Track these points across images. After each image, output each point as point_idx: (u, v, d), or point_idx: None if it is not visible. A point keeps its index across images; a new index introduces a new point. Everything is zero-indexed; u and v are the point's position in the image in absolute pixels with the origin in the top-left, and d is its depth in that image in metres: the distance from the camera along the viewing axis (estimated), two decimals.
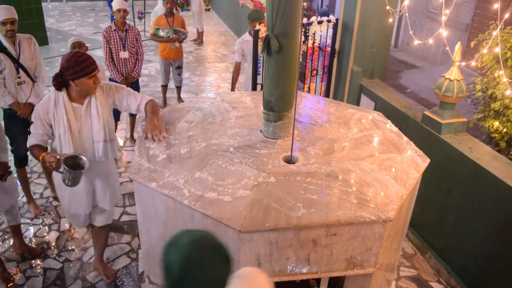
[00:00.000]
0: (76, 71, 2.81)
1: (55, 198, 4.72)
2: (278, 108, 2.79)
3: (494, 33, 3.87)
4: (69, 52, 2.92)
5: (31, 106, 4.24)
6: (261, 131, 2.98)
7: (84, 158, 2.84)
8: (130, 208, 4.72)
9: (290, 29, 2.58)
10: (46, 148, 3.07)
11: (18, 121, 4.28)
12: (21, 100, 4.28)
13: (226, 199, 2.22)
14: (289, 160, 2.68)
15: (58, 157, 2.76)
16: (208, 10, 16.60)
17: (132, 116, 6.13)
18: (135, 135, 6.11)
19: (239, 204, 2.20)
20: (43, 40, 10.86)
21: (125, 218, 4.57)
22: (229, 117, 3.25)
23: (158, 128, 2.90)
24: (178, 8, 11.14)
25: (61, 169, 2.81)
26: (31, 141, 2.99)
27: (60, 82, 2.91)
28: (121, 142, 6.21)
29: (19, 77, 4.22)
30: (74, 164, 2.81)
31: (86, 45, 4.60)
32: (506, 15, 3.61)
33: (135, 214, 4.32)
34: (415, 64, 11.73)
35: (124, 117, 6.71)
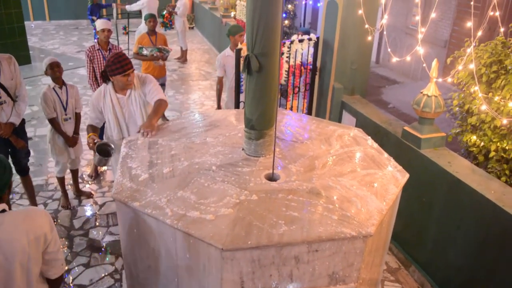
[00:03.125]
0: (113, 69, 3.49)
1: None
2: (259, 126, 2.83)
3: (468, 50, 3.99)
4: (114, 52, 3.66)
5: (12, 126, 4.22)
6: (243, 149, 3.01)
7: (113, 147, 3.48)
8: (113, 228, 4.68)
9: (270, 49, 2.64)
10: (98, 129, 3.78)
11: (0, 141, 4.24)
12: (2, 120, 4.24)
13: (208, 218, 2.24)
14: (271, 178, 2.71)
15: (95, 141, 3.49)
16: (192, 28, 16.73)
17: None
18: None
19: (221, 222, 2.21)
20: (26, 59, 10.80)
21: (108, 238, 4.52)
22: (211, 135, 3.28)
23: (152, 127, 3.28)
24: (162, 27, 11.21)
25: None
26: (88, 121, 3.80)
27: (105, 76, 3.62)
28: None
29: (0, 97, 4.19)
30: (104, 150, 3.46)
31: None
32: (479, 33, 3.74)
33: (118, 234, 4.29)
34: (396, 79, 11.95)
35: None
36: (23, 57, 10.46)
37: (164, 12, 11.75)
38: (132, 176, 2.66)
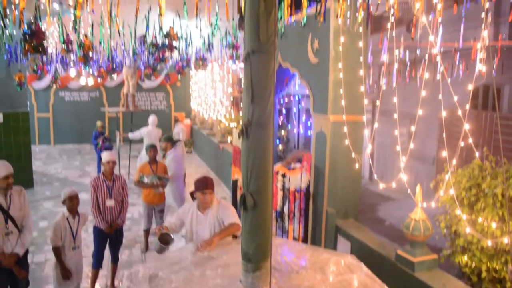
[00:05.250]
0: (196, 186, 4.21)
1: None
2: (255, 259, 2.99)
3: (447, 176, 4.32)
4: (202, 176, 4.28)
5: (16, 256, 4.33)
6: (240, 281, 3.13)
7: (173, 239, 3.98)
8: None
9: (263, 187, 2.92)
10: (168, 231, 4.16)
11: (2, 271, 4.31)
12: (7, 250, 4.37)
13: None
14: None
15: (161, 231, 4.00)
16: (190, 152, 17.44)
17: (114, 264, 6.16)
18: (116, 282, 6.09)
19: None
20: (28, 183, 11.16)
21: None
22: (210, 267, 3.41)
23: (210, 243, 3.76)
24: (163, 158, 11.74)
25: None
26: (168, 219, 4.37)
27: (192, 194, 4.35)
28: None
29: (7, 228, 4.37)
30: (165, 239, 3.94)
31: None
32: (454, 161, 4.10)
33: None
34: (390, 196, 12.24)
35: (106, 264, 6.71)
36: (26, 181, 10.79)
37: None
38: None
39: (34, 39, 4.00)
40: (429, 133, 11.30)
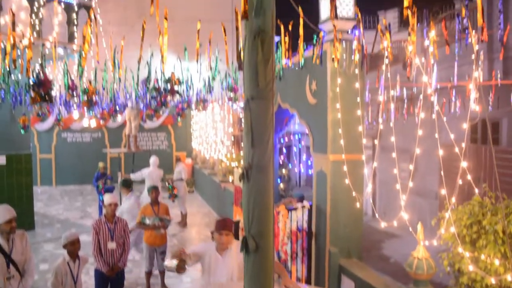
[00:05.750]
0: (215, 226, 4.28)
1: None
2: None
3: (447, 214, 4.34)
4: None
5: None
6: None
7: (186, 270, 4.14)
8: None
9: (265, 230, 2.95)
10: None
11: None
12: None
13: None
14: None
15: (182, 258, 4.14)
16: (192, 192, 17.42)
17: None
18: None
19: None
20: (30, 225, 11.06)
21: None
22: None
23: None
24: (173, 199, 11.71)
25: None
26: (192, 248, 4.54)
27: (212, 234, 4.62)
28: None
29: (9, 272, 4.36)
30: (180, 267, 4.11)
31: (72, 229, 5.02)
32: (453, 200, 4.13)
33: None
34: (394, 233, 12.12)
35: None
36: (27, 223, 10.70)
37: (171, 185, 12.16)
38: None
39: (42, 88, 4.13)
40: (430, 168, 11.33)
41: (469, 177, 4.18)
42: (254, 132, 2.84)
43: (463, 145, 4.14)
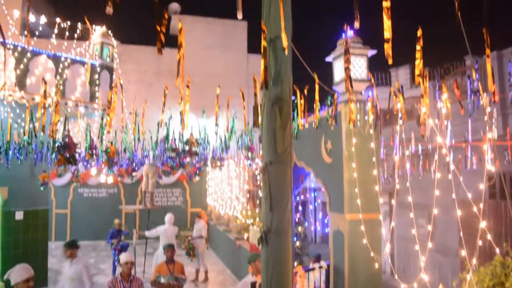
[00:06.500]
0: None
1: None
2: None
3: (468, 276, 4.24)
4: None
5: None
6: None
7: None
8: None
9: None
10: None
11: None
12: None
13: None
14: None
15: None
16: (206, 248, 17.22)
17: None
18: None
19: None
20: (43, 282, 10.94)
21: None
22: None
23: None
24: (192, 258, 11.63)
25: None
26: None
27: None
28: None
29: None
30: None
31: None
32: (474, 261, 4.05)
33: None
34: None
35: None
36: (41, 279, 10.58)
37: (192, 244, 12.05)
38: None
39: (67, 150, 4.30)
40: (449, 225, 11.09)
41: (489, 236, 4.13)
42: (273, 196, 2.91)
43: (481, 205, 4.12)
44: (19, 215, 10.94)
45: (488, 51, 2.70)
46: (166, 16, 2.48)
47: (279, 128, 2.93)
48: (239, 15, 2.75)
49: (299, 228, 11.18)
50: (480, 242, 3.95)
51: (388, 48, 2.56)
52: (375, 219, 5.53)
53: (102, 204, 19.17)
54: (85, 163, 12.87)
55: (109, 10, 2.10)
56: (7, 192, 10.88)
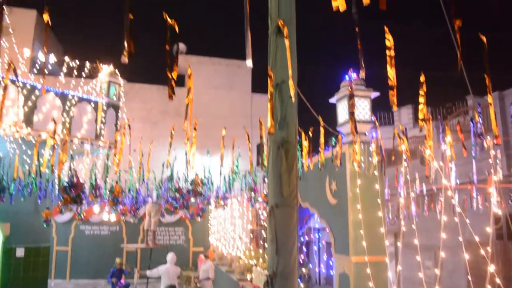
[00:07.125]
0: None
1: None
2: None
3: None
4: None
5: None
6: None
7: None
8: None
9: None
10: None
11: None
12: None
13: None
14: None
15: None
16: None
17: None
18: None
19: None
20: None
21: None
22: None
23: None
24: None
25: None
26: None
27: None
28: None
29: None
30: None
31: None
32: None
33: None
34: None
35: None
36: None
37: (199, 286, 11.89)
38: None
39: (73, 190, 4.31)
40: (457, 266, 10.89)
41: (498, 280, 4.07)
42: (279, 240, 2.90)
43: (489, 249, 4.08)
44: (20, 252, 10.84)
45: (490, 98, 2.75)
46: (176, 62, 2.55)
47: (285, 172, 2.96)
48: (249, 63, 2.78)
49: (303, 270, 10.97)
50: (489, 287, 3.88)
51: (392, 95, 2.61)
52: (381, 262, 5.45)
53: (103, 242, 18.92)
54: (89, 202, 12.87)
55: (124, 59, 2.16)
56: (9, 228, 10.83)
